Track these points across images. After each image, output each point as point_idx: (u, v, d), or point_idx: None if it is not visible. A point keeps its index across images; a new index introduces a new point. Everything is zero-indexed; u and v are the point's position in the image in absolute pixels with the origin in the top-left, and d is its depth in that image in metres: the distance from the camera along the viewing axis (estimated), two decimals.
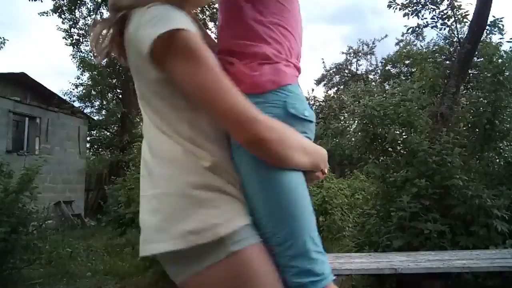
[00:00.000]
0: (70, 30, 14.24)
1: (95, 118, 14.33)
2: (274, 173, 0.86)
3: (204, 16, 15.21)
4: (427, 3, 6.94)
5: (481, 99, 5.62)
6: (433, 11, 6.93)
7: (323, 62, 22.85)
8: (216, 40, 1.04)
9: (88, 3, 14.26)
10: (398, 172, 4.70)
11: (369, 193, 5.74)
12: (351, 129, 15.49)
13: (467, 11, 6.65)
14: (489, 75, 5.67)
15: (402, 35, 16.51)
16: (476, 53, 6.22)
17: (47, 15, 13.37)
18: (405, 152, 5.07)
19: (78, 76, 14.71)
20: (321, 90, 18.14)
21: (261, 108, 0.84)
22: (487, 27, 6.42)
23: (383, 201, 4.74)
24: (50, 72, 33.84)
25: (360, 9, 36.87)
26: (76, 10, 14.15)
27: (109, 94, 15.38)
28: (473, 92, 6.56)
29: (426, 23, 7.11)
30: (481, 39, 6.27)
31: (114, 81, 14.89)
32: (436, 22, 6.91)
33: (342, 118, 16.21)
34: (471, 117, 5.57)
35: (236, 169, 0.88)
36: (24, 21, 35.36)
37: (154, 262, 4.14)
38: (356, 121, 6.79)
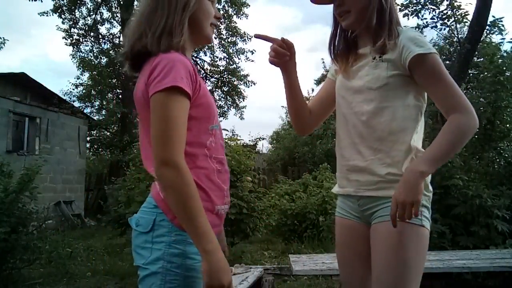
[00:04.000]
0: (70, 30, 14.25)
1: (95, 118, 14.32)
2: None
3: None
4: (427, 3, 6.95)
5: (481, 99, 5.62)
6: (433, 11, 6.95)
7: (323, 62, 22.79)
8: None
9: (88, 3, 14.28)
10: None
11: None
12: None
13: (467, 11, 6.67)
14: (489, 75, 5.68)
15: None
16: (476, 53, 6.22)
17: (47, 15, 13.39)
18: None
19: (78, 76, 14.74)
20: None
21: None
22: (487, 27, 6.42)
23: None
24: (50, 72, 33.87)
25: None
26: (76, 10, 14.17)
27: (109, 94, 15.38)
28: (473, 92, 6.56)
29: (426, 23, 7.12)
30: (481, 39, 6.28)
31: (114, 81, 14.88)
32: (436, 22, 6.93)
33: None
34: None
35: None
36: (24, 21, 35.36)
37: None
38: None
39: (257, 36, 1.35)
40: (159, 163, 1.00)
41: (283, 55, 1.36)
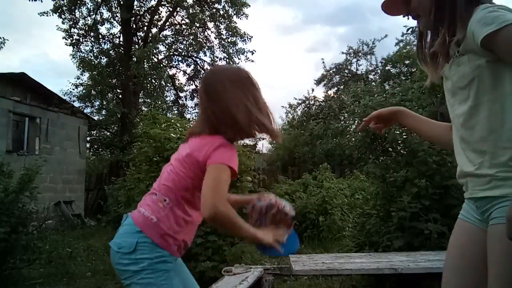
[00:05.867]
0: (70, 30, 14.25)
1: (95, 118, 14.33)
2: None
3: (204, 16, 15.21)
4: None
5: None
6: None
7: (323, 62, 22.84)
8: None
9: (88, 3, 14.28)
10: (398, 172, 4.70)
11: (369, 193, 5.74)
12: (351, 129, 15.46)
13: None
14: None
15: (402, 35, 16.54)
16: None
17: (47, 15, 13.39)
18: (405, 152, 5.06)
19: (78, 76, 14.74)
20: (321, 90, 18.17)
21: None
22: None
23: (383, 201, 4.73)
24: (50, 72, 33.87)
25: (360, 9, 36.89)
26: (76, 10, 14.17)
27: (109, 94, 15.39)
28: None
29: None
30: None
31: (114, 81, 14.89)
32: None
33: (342, 118, 16.21)
34: None
35: None
36: (24, 21, 35.37)
37: None
38: (356, 121, 6.79)
39: (360, 130, 1.62)
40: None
41: (378, 128, 1.57)
